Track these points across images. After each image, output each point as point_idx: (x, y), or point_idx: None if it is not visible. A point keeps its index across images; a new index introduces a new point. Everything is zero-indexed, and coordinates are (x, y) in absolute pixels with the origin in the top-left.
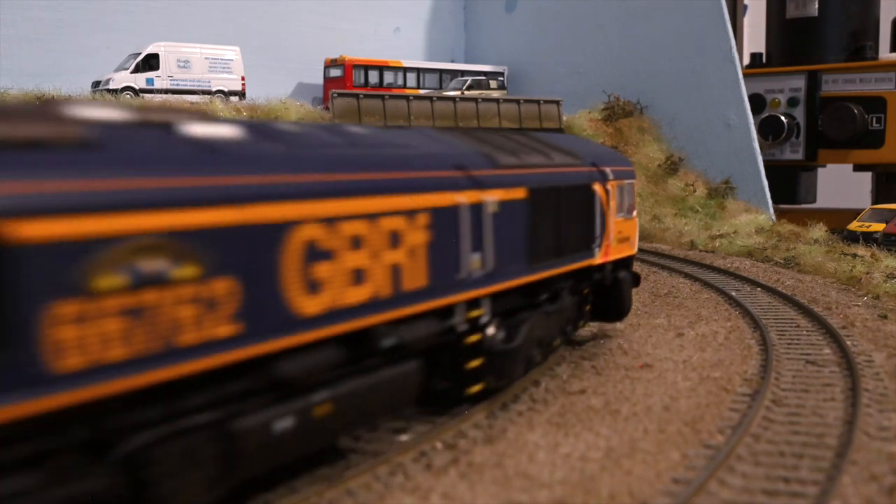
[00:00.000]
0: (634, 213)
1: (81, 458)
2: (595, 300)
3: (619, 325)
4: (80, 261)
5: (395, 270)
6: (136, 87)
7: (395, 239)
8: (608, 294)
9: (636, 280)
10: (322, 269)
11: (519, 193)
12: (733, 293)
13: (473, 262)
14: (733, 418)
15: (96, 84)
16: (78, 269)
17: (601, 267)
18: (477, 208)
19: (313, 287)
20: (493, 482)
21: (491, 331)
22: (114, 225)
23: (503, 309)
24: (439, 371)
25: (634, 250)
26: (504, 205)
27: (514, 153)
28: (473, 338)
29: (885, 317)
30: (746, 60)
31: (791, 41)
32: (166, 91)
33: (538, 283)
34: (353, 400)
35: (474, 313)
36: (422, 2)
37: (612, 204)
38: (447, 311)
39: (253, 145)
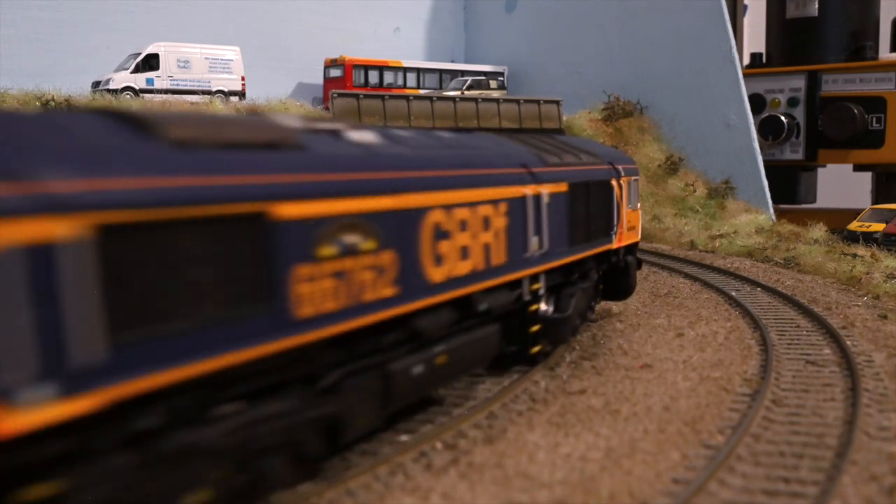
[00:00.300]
0: (638, 205)
1: (305, 389)
2: (606, 281)
3: (618, 325)
4: (311, 234)
5: (486, 249)
6: (136, 88)
7: (486, 223)
8: (618, 275)
9: (639, 264)
10: (443, 246)
11: (562, 187)
12: (733, 293)
13: (534, 243)
14: (733, 418)
15: (96, 84)
16: (309, 240)
17: (616, 251)
18: (537, 199)
19: (438, 260)
20: (493, 482)
21: (546, 301)
22: (329, 208)
23: (552, 284)
24: (508, 334)
25: (639, 237)
26: (553, 196)
27: (555, 153)
28: (534, 307)
29: (885, 317)
30: (746, 60)
31: (791, 41)
32: (166, 91)
33: (574, 264)
34: (459, 353)
35: (535, 286)
36: (422, 2)
37: (624, 197)
38: (517, 284)
39: (390, 148)
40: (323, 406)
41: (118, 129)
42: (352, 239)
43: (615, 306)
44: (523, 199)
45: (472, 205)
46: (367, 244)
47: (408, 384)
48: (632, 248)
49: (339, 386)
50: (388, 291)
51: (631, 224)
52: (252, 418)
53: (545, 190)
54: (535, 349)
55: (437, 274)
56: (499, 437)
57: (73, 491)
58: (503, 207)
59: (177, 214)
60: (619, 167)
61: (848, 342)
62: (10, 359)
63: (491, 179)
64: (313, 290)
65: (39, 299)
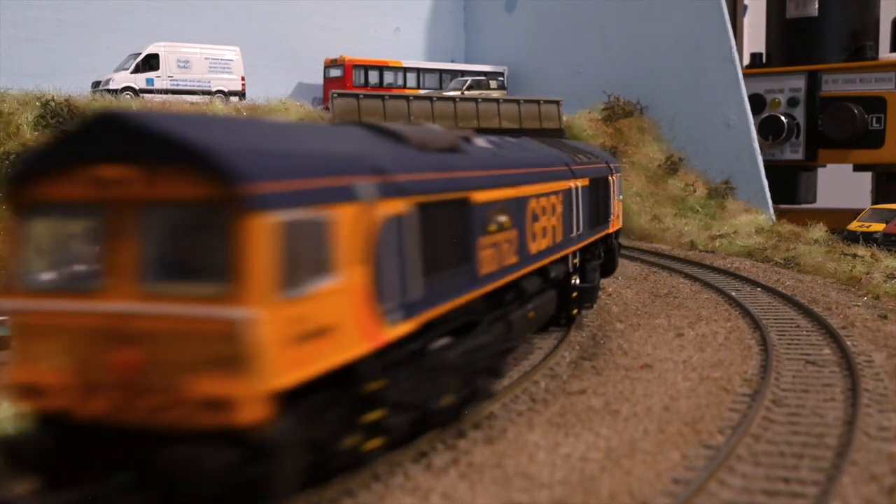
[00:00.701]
0: (621, 197)
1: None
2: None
3: (618, 325)
4: (485, 214)
5: (554, 230)
6: (136, 88)
7: (553, 209)
8: (607, 255)
9: (619, 246)
10: (536, 226)
11: (586, 182)
12: (733, 293)
13: (575, 226)
14: (733, 418)
15: (96, 84)
16: (484, 219)
17: (610, 235)
18: (576, 191)
19: (533, 237)
20: (493, 482)
21: (580, 274)
22: (493, 195)
23: (581, 259)
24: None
25: (621, 224)
26: (583, 189)
27: (574, 154)
28: (573, 278)
29: (885, 317)
30: (746, 60)
31: (791, 41)
32: (166, 91)
33: (591, 244)
34: (539, 310)
35: (575, 261)
36: (422, 2)
37: (615, 190)
38: (565, 259)
39: (500, 150)
40: (507, 340)
41: (383, 138)
42: (501, 219)
43: (615, 306)
44: (570, 190)
45: (547, 195)
46: (507, 223)
47: (517, 330)
48: (618, 233)
49: (489, 329)
50: (514, 259)
51: (617, 213)
52: (471, 346)
53: (579, 184)
54: (574, 311)
55: (532, 247)
56: (499, 437)
57: (387, 388)
58: (561, 197)
59: (439, 198)
60: (611, 165)
61: (848, 342)
62: (389, 292)
63: (554, 175)
64: (485, 256)
65: (399, 252)
